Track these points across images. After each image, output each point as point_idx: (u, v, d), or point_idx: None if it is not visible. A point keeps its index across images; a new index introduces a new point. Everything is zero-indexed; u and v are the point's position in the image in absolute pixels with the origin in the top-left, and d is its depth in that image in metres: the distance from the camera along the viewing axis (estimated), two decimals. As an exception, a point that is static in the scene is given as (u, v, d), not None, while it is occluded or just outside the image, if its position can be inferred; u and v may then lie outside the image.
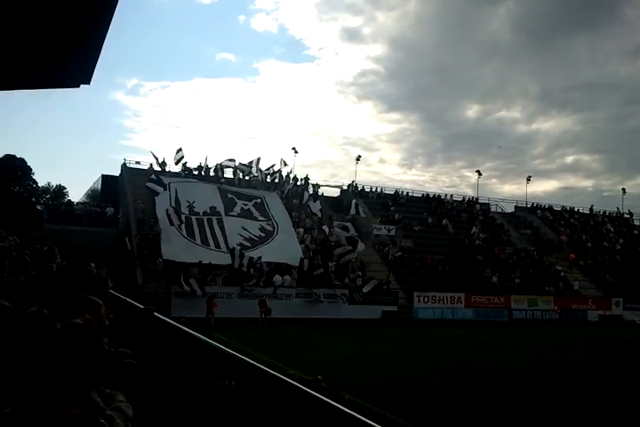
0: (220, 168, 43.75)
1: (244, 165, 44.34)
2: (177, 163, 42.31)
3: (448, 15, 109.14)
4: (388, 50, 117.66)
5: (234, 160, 44.38)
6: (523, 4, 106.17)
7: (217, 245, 35.33)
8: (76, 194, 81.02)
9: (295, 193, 44.51)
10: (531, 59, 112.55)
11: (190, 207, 37.60)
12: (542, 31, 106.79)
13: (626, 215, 62.42)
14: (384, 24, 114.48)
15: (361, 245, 38.35)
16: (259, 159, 44.83)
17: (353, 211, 44.36)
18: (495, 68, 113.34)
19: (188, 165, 42.93)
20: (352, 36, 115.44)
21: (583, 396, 15.07)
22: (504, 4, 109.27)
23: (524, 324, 36.60)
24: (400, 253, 41.39)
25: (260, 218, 39.53)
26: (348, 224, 41.25)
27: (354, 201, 45.39)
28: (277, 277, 33.53)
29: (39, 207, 53.20)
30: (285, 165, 46.94)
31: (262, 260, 34.41)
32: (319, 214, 42.53)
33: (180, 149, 42.46)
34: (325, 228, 40.61)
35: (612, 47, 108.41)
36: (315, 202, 43.19)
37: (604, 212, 62.02)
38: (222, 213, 38.24)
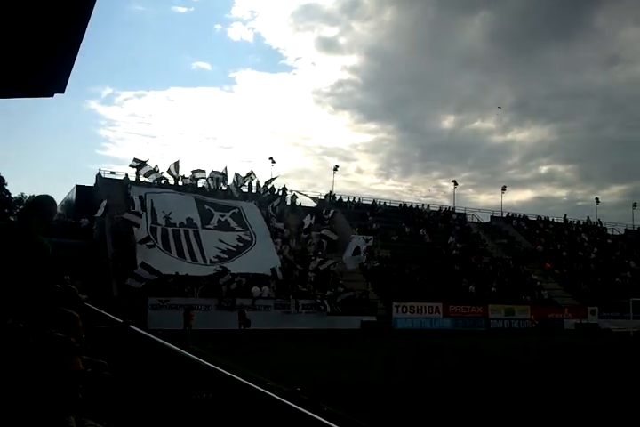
0: (193, 179, 43.51)
1: (216, 172, 44.20)
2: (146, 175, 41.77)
3: (424, 25, 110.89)
4: (365, 60, 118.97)
5: (204, 171, 44.21)
6: (498, 15, 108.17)
7: (193, 258, 34.98)
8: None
9: (271, 202, 44.41)
10: (506, 69, 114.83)
11: (167, 218, 37.10)
12: (517, 41, 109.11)
13: (595, 224, 63.62)
14: (360, 34, 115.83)
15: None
16: (226, 169, 44.96)
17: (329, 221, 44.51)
18: (471, 78, 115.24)
19: (163, 175, 42.69)
20: (328, 45, 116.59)
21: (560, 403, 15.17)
22: (479, 14, 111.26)
23: (501, 333, 36.81)
24: (377, 263, 41.47)
25: (238, 228, 39.30)
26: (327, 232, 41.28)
27: (331, 211, 45.60)
28: (255, 289, 33.35)
29: (12, 218, 52.31)
30: (253, 178, 46.77)
31: (239, 270, 34.12)
32: (306, 225, 42.50)
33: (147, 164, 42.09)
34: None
35: (586, 57, 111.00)
36: (309, 218, 42.96)
37: (579, 221, 63.09)
38: (199, 225, 37.84)
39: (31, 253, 3.71)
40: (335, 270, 38.50)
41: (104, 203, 36.03)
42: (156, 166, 42.23)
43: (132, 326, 5.71)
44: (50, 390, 2.09)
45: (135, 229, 34.37)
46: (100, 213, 36.03)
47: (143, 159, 41.77)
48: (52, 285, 4.37)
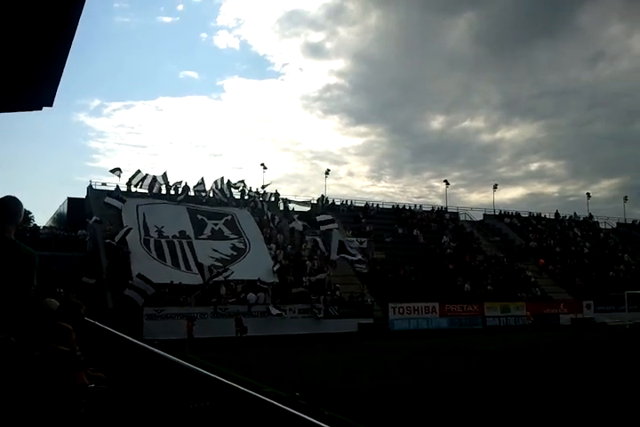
0: (185, 188, 43.33)
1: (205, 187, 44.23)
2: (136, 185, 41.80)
3: (409, 28, 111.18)
4: (352, 64, 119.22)
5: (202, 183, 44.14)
6: (482, 15, 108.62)
7: (187, 267, 34.88)
8: (42, 218, 79.46)
9: (266, 209, 44.29)
10: (492, 68, 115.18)
11: (159, 232, 37.00)
12: (502, 41, 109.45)
13: (587, 219, 63.87)
14: (346, 39, 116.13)
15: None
16: (222, 178, 44.82)
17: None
18: (458, 78, 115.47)
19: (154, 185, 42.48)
20: (315, 51, 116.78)
21: (562, 401, 15.23)
22: (464, 15, 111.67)
23: (498, 331, 36.83)
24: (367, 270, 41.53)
25: (232, 236, 39.27)
26: (319, 239, 41.34)
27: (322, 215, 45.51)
28: (251, 295, 33.26)
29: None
30: (245, 185, 46.78)
31: (234, 277, 34.04)
32: (301, 229, 42.54)
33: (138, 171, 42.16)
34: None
35: (571, 54, 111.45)
36: (298, 223, 42.89)
37: (570, 217, 63.35)
38: (192, 236, 37.80)
39: (19, 264, 3.38)
40: (330, 277, 38.42)
41: (93, 219, 36.77)
42: (138, 171, 42.13)
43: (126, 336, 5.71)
44: (55, 405, 2.08)
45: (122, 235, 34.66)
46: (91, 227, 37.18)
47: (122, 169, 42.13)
48: (46, 298, 4.35)
